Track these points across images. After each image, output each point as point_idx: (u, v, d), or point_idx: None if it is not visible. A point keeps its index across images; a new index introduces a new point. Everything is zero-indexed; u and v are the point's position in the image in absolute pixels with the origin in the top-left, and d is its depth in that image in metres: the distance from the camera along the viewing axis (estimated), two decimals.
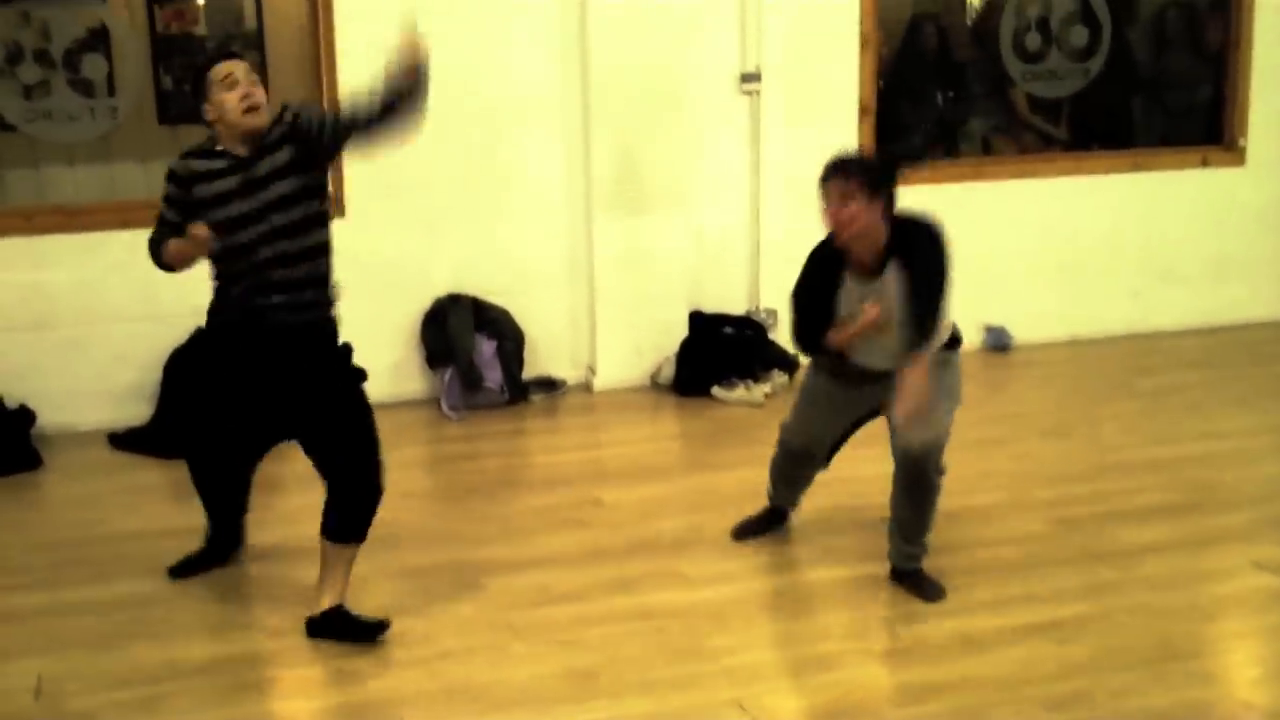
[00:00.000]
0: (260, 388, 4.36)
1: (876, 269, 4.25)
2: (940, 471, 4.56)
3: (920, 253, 4.18)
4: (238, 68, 4.24)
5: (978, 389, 6.95)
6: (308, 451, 4.39)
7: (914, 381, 4.09)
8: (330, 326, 4.45)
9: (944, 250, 4.18)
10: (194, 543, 4.88)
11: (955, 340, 4.53)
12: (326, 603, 4.31)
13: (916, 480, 4.53)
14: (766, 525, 5.08)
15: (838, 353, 4.46)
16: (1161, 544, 4.95)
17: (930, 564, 4.67)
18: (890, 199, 4.21)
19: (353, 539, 4.35)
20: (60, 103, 6.87)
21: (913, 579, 4.62)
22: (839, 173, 4.19)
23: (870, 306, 4.24)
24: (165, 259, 4.32)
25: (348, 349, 4.45)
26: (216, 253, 4.23)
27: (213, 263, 4.32)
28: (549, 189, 6.95)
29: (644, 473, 5.84)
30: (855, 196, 4.13)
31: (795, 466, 4.96)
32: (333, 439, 4.34)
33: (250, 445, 4.70)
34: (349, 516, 4.33)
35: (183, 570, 4.80)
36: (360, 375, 4.45)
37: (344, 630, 4.27)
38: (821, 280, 4.38)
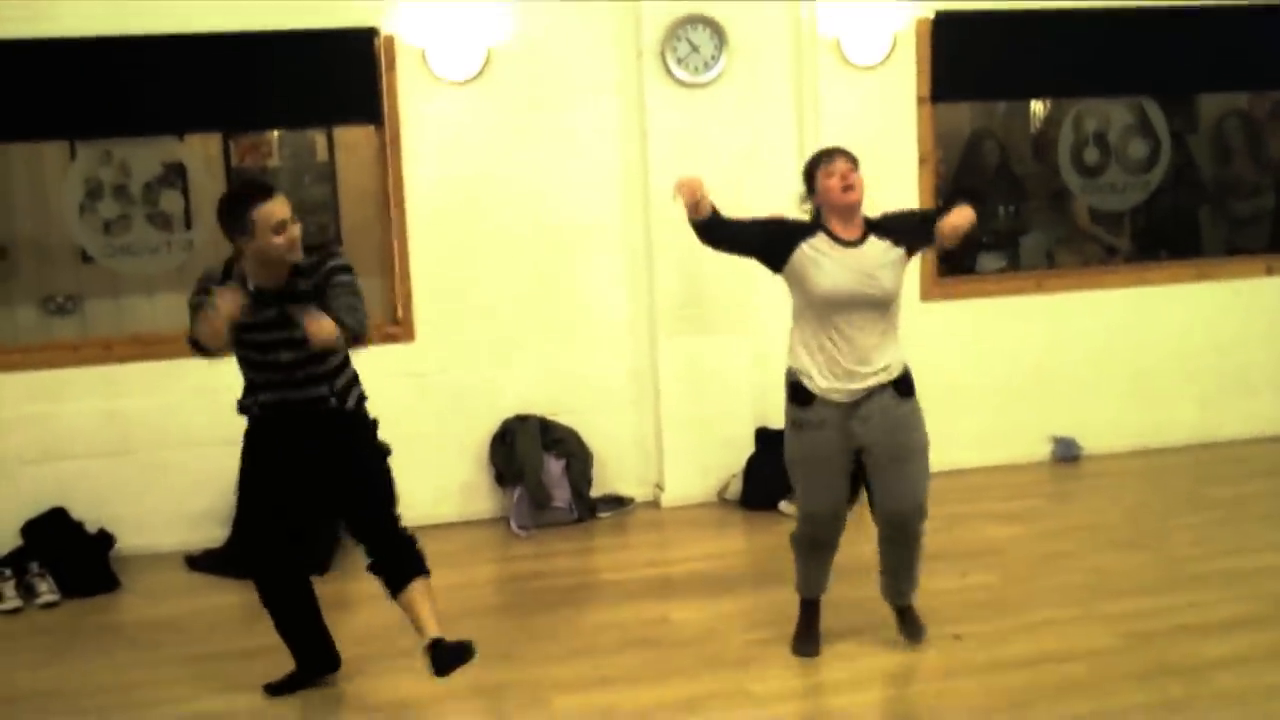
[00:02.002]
0: (291, 465, 4.69)
1: (859, 240, 4.73)
2: (924, 517, 4.87)
3: (900, 218, 4.89)
4: (284, 210, 4.46)
5: (1047, 501, 6.98)
6: (346, 518, 4.84)
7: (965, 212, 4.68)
8: (354, 405, 4.77)
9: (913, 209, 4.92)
10: (269, 663, 4.95)
11: (908, 377, 4.86)
12: (435, 632, 4.65)
13: (907, 536, 4.88)
14: (814, 625, 5.09)
15: (808, 395, 4.77)
16: (1236, 658, 4.88)
17: (999, 680, 4.68)
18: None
19: (420, 572, 4.76)
20: (139, 236, 7.08)
21: (906, 615, 5.04)
22: (843, 153, 4.81)
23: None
24: (200, 335, 4.54)
25: (373, 423, 4.82)
26: (250, 365, 4.64)
27: (246, 372, 4.68)
28: (614, 310, 7.07)
29: (712, 589, 5.84)
30: (857, 171, 4.74)
31: (822, 540, 4.94)
32: (366, 498, 4.73)
33: (296, 527, 4.85)
34: (405, 557, 4.76)
35: (278, 689, 4.89)
36: (384, 450, 4.81)
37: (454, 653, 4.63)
38: (781, 230, 4.85)
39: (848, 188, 4.70)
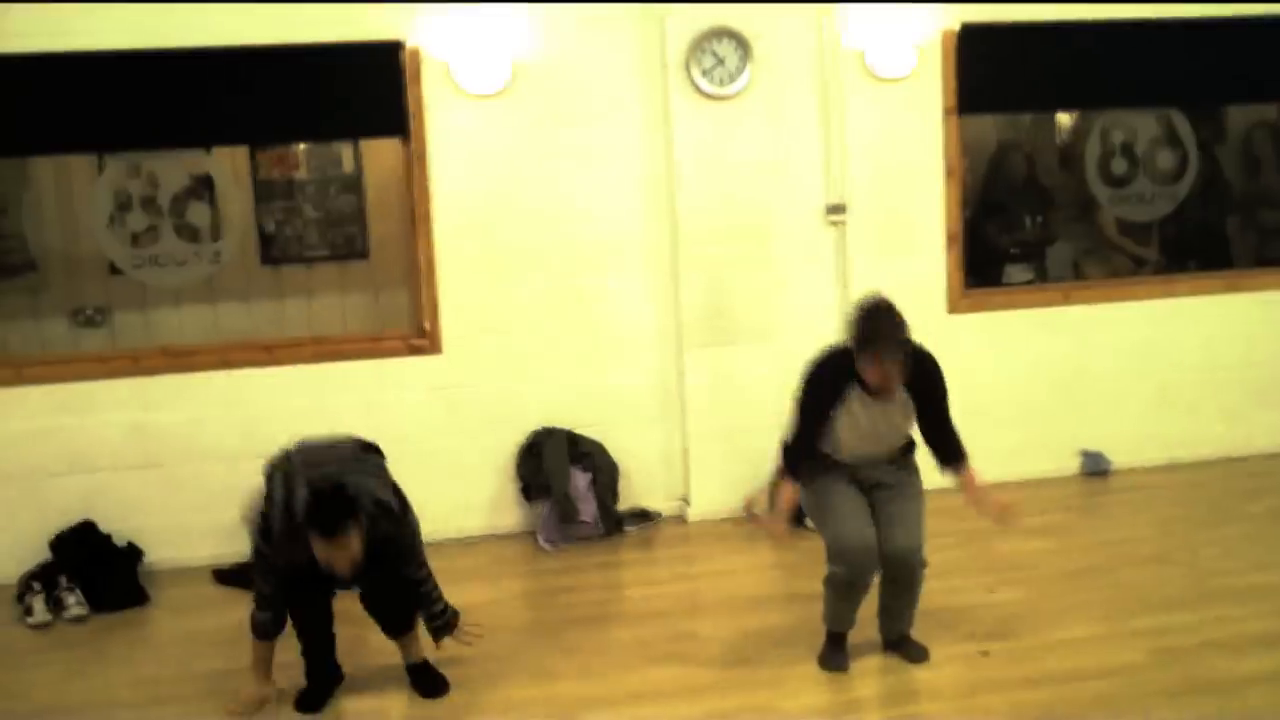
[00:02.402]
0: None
1: (892, 396, 4.77)
2: (924, 564, 4.97)
3: (929, 384, 4.86)
4: (332, 555, 4.56)
5: (1075, 516, 6.94)
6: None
7: (987, 494, 4.91)
8: None
9: (943, 379, 4.91)
10: (297, 676, 4.96)
11: (912, 443, 5.00)
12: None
13: (908, 577, 4.96)
14: (842, 649, 5.09)
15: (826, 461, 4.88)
16: (1267, 675, 4.85)
17: (1027, 696, 4.68)
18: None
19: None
20: (167, 248, 7.14)
21: (903, 644, 5.11)
22: (893, 352, 4.61)
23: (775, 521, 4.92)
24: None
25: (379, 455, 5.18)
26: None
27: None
28: (640, 323, 7.06)
29: (739, 604, 5.84)
30: (902, 367, 4.64)
31: (857, 581, 4.91)
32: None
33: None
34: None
35: (309, 705, 4.92)
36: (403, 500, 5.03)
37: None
38: (830, 398, 4.78)
39: (884, 385, 4.71)
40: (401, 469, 6.72)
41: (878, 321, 4.65)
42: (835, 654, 5.07)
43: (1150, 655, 5.06)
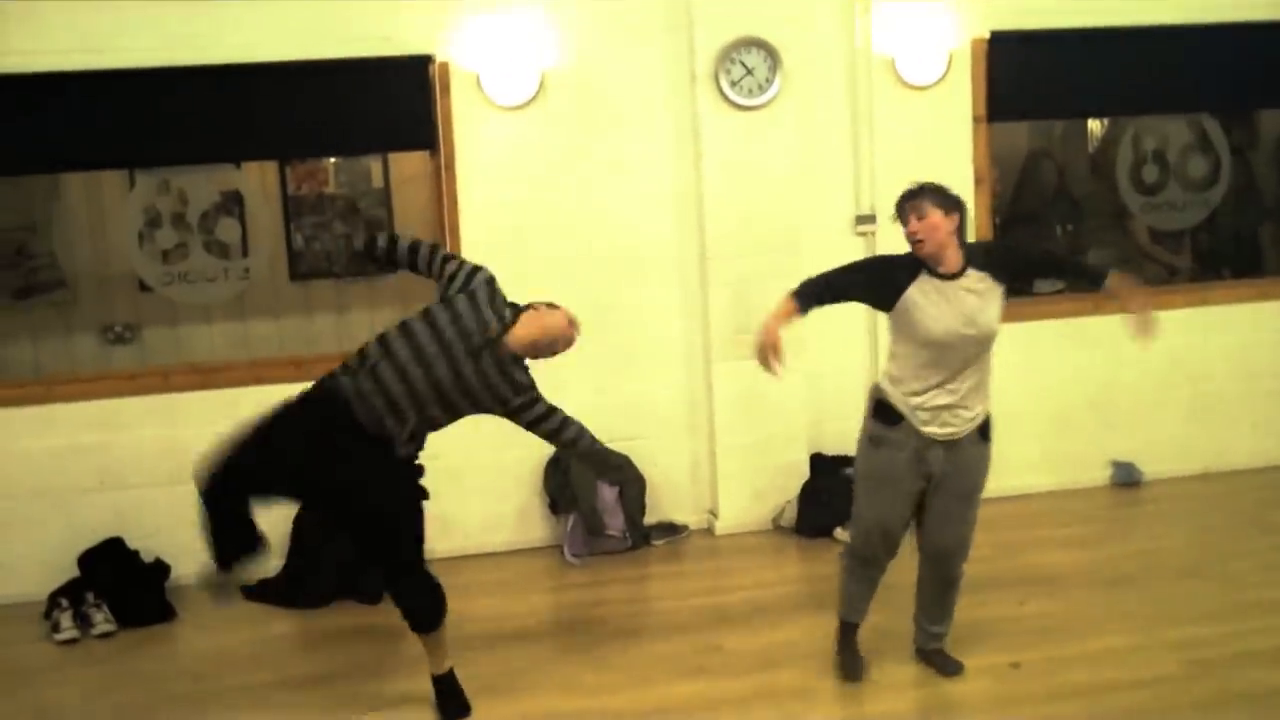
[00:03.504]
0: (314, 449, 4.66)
1: (958, 273, 4.65)
2: (962, 571, 4.93)
3: (1012, 255, 4.84)
4: None
5: (1107, 526, 6.88)
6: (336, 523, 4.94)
7: (1134, 299, 4.79)
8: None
9: (1028, 244, 4.79)
10: (325, 693, 4.98)
11: (991, 426, 4.84)
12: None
13: (948, 574, 4.92)
14: (854, 648, 5.07)
15: (896, 415, 4.71)
16: None
17: (1058, 709, 4.63)
18: (961, 220, 4.69)
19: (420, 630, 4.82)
20: (196, 264, 7.16)
21: (936, 657, 5.05)
22: (915, 201, 4.66)
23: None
24: None
25: (419, 467, 4.82)
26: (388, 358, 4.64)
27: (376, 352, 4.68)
28: (668, 336, 7.04)
29: (766, 617, 5.80)
30: (930, 211, 4.61)
31: (873, 558, 4.90)
32: (355, 517, 4.73)
33: (268, 482, 4.81)
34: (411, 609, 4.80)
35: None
36: (422, 492, 4.81)
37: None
38: (882, 273, 4.76)
39: (916, 242, 4.64)
40: (430, 484, 6.75)
41: (918, 184, 4.72)
42: (847, 654, 5.05)
43: (1183, 667, 5.01)
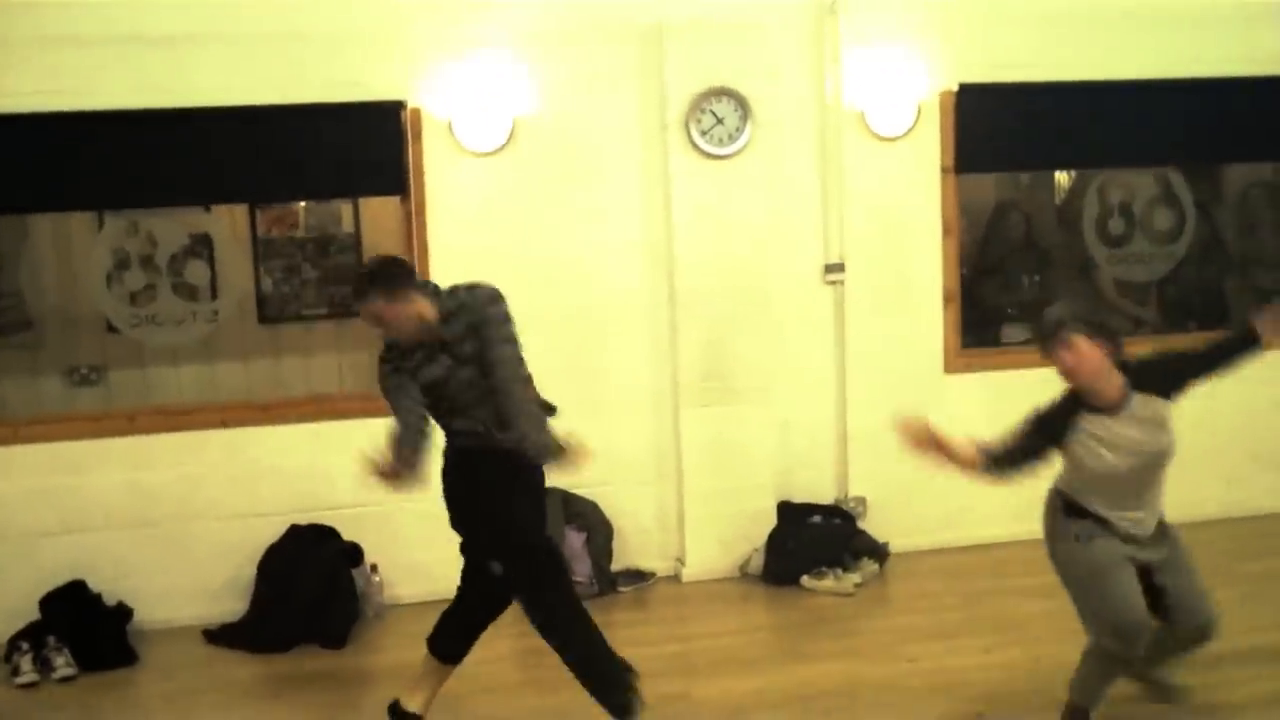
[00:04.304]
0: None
1: (1122, 401, 4.50)
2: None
3: (1160, 363, 4.65)
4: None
5: None
6: None
7: None
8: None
9: (1165, 353, 4.71)
10: None
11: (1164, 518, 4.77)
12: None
13: (1202, 643, 4.81)
14: None
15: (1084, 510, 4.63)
16: None
17: None
18: (1114, 344, 4.52)
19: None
20: (164, 307, 7.13)
21: (1162, 685, 5.08)
22: (1064, 333, 4.49)
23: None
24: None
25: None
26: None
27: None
28: (637, 383, 7.04)
29: (733, 665, 5.78)
30: (1077, 342, 4.46)
31: (1132, 652, 4.64)
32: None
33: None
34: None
35: None
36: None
37: None
38: (1053, 423, 4.58)
39: (1067, 375, 4.55)
40: (398, 530, 6.74)
41: (1051, 308, 4.65)
42: None
43: (1154, 717, 5.01)
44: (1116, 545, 4.59)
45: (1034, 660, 5.63)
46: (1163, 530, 4.73)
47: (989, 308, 7.98)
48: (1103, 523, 4.60)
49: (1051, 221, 8.86)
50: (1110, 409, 4.50)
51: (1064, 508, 4.71)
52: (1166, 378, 4.59)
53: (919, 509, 7.28)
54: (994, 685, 5.36)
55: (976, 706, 5.13)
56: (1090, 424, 4.51)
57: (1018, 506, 7.31)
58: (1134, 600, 4.54)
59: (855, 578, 6.78)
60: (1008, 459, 4.61)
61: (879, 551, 6.97)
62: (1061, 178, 8.89)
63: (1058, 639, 5.84)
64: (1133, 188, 8.16)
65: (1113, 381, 4.49)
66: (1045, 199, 9.00)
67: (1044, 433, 4.61)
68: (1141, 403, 4.51)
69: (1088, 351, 4.43)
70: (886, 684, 5.43)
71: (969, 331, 7.48)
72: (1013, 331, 8.01)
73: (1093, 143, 7.52)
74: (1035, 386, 7.38)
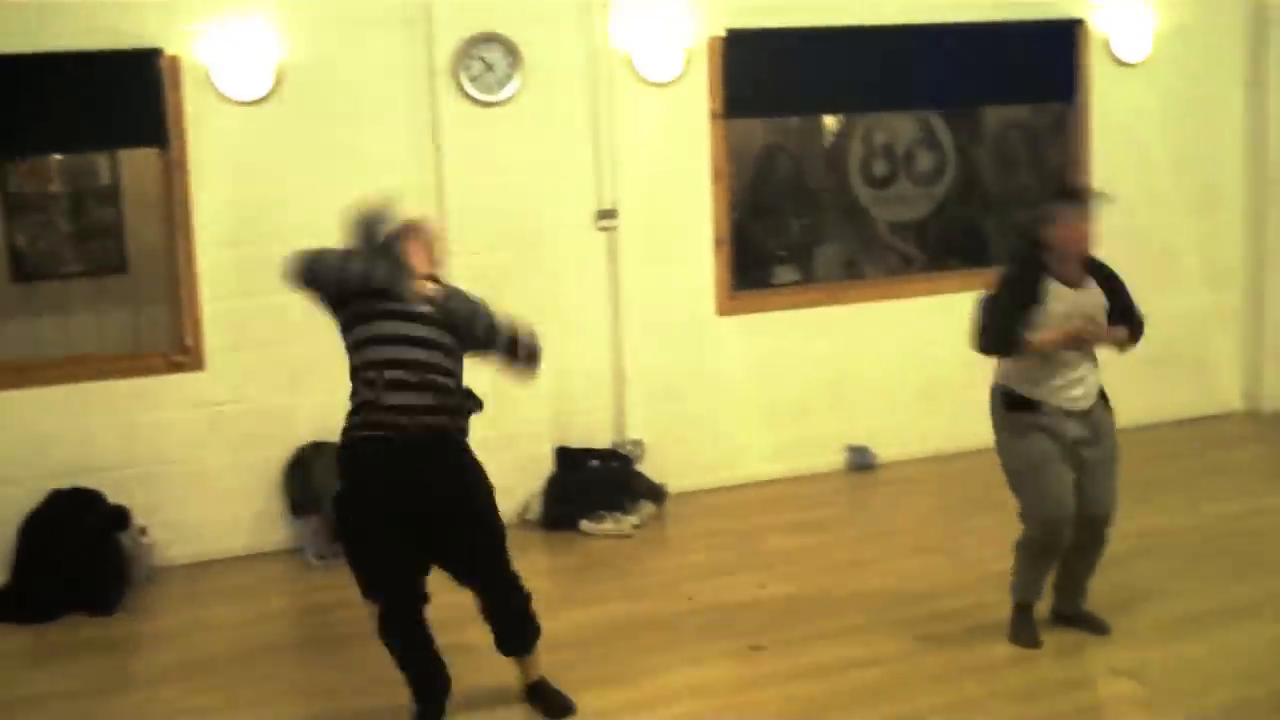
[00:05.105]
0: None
1: (1080, 280, 4.93)
2: (1112, 529, 5.13)
3: (1115, 280, 5.04)
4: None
5: (843, 509, 7.12)
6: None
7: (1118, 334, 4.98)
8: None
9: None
10: (54, 711, 4.75)
11: (1103, 392, 5.08)
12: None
13: (1098, 539, 5.09)
14: (1033, 620, 5.20)
15: (1030, 402, 4.96)
16: (1026, 656, 5.04)
17: (798, 689, 4.79)
18: None
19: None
20: None
21: (1087, 618, 5.24)
22: (1089, 206, 4.98)
23: (1079, 321, 4.86)
24: None
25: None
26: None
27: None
28: None
29: None
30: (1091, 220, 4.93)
31: (1055, 545, 5.01)
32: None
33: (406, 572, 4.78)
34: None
35: None
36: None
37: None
38: (1027, 287, 4.88)
39: (1075, 241, 4.88)
40: (165, 490, 6.56)
41: (1074, 185, 5.06)
42: (1026, 628, 5.16)
43: (917, 642, 5.22)
44: (1051, 442, 4.92)
45: (806, 593, 5.78)
46: (1103, 407, 5.05)
47: (760, 251, 8.10)
48: (1043, 412, 4.92)
49: (820, 165, 9.02)
50: (1073, 282, 4.90)
51: (1005, 402, 5.06)
52: (1112, 292, 5.00)
53: (695, 450, 7.39)
54: (770, 617, 5.49)
55: (752, 640, 5.25)
56: (1055, 296, 4.86)
57: (784, 444, 7.57)
58: (1064, 496, 4.93)
59: (634, 520, 6.86)
60: (1012, 334, 4.87)
61: (657, 493, 7.05)
62: (829, 122, 9.07)
63: (828, 572, 6.05)
64: (896, 131, 8.36)
65: (1080, 263, 4.94)
66: (814, 142, 9.16)
67: (1024, 293, 4.89)
68: (1094, 287, 4.94)
69: (1088, 235, 4.90)
70: (666, 622, 5.52)
71: (741, 274, 7.59)
72: (783, 272, 8.16)
73: (857, 87, 7.70)
74: (805, 326, 7.64)
